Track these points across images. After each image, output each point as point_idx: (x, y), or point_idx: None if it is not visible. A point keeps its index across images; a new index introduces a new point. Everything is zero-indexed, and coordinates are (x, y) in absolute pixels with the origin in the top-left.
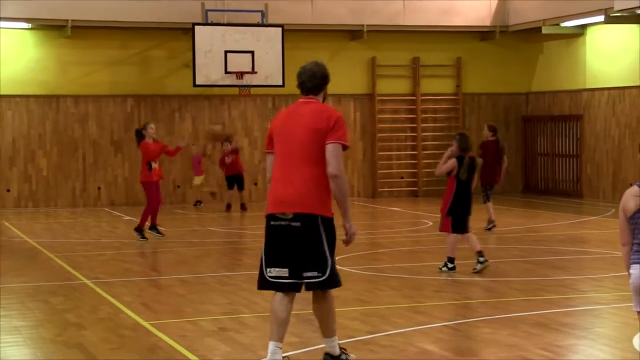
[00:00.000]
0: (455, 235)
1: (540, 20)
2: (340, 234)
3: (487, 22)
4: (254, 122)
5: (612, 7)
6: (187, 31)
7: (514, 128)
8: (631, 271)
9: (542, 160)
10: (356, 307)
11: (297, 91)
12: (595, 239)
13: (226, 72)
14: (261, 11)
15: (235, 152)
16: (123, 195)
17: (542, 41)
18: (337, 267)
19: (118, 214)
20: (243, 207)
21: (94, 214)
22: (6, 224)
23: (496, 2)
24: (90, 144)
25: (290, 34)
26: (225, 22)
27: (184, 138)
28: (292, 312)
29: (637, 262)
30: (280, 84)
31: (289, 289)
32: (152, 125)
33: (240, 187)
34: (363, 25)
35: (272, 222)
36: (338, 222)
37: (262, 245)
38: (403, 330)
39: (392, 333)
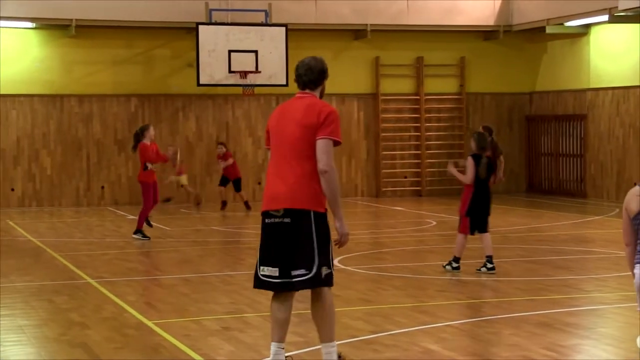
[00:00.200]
0: (464, 235)
1: (544, 20)
2: (334, 234)
3: (491, 22)
4: (257, 122)
5: (616, 7)
6: (191, 31)
7: (517, 128)
8: (635, 271)
9: (545, 160)
10: (360, 307)
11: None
12: (599, 239)
13: (230, 71)
14: (265, 11)
15: (228, 157)
16: (127, 195)
17: (546, 41)
18: (338, 266)
19: (122, 213)
20: (247, 206)
21: (98, 213)
22: (10, 223)
23: (500, 1)
24: (94, 144)
25: (294, 33)
26: (229, 21)
27: (171, 146)
28: (295, 311)
29: None
30: (284, 83)
31: (280, 289)
32: (152, 127)
33: (237, 189)
34: (367, 24)
35: (266, 220)
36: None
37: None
38: (406, 329)
39: (396, 333)
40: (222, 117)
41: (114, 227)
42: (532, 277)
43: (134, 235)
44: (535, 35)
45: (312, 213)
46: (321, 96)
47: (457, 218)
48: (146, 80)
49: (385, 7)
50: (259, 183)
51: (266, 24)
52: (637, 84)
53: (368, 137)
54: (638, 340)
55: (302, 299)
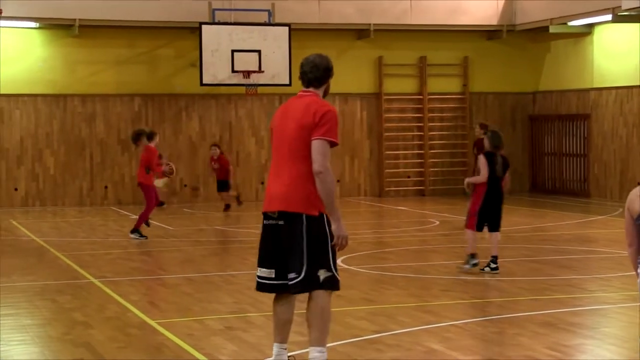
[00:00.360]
0: (473, 231)
1: (547, 20)
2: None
3: (494, 22)
4: (260, 122)
5: (620, 6)
6: (194, 30)
7: (521, 127)
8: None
9: (549, 159)
10: (363, 307)
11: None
12: (603, 239)
13: (233, 71)
14: (268, 10)
15: (222, 162)
16: (130, 194)
17: (549, 40)
18: (341, 265)
19: (125, 212)
20: (238, 201)
21: (101, 213)
22: (14, 222)
23: (503, 1)
24: (97, 143)
25: (297, 33)
26: (232, 21)
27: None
28: (298, 311)
29: None
30: (287, 83)
31: (277, 291)
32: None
33: (223, 189)
34: (370, 24)
35: (264, 221)
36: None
37: None
38: (410, 329)
39: (399, 332)
40: (225, 116)
41: (117, 226)
42: (536, 276)
43: (131, 235)
44: (538, 35)
45: (304, 216)
46: (325, 95)
47: (460, 218)
48: (149, 80)
49: (388, 7)
50: (262, 183)
51: (269, 24)
52: None
53: (371, 136)
54: None
55: (304, 299)
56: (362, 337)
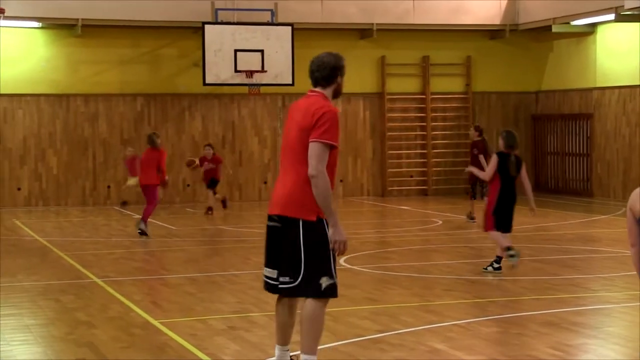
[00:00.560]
0: (496, 232)
1: (550, 19)
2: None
3: (497, 21)
4: (263, 121)
5: (623, 6)
6: (197, 30)
7: (523, 127)
8: None
9: (552, 159)
10: (366, 306)
11: (307, 89)
12: (606, 238)
13: (236, 70)
14: (271, 10)
15: (217, 162)
16: (133, 194)
17: (552, 40)
18: (344, 265)
19: (128, 212)
20: (208, 211)
21: (104, 213)
22: (17, 222)
23: (506, 1)
24: (100, 143)
25: (300, 32)
26: (235, 21)
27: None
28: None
29: None
30: (290, 82)
31: (275, 291)
32: None
33: (211, 186)
34: (373, 24)
35: (268, 222)
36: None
37: None
38: (413, 329)
39: (402, 332)
40: (228, 116)
41: (120, 226)
42: (539, 276)
43: (141, 227)
44: (541, 35)
45: (300, 222)
46: (336, 94)
47: (462, 217)
48: (152, 80)
49: (391, 7)
50: (265, 182)
51: (272, 24)
52: None
53: (374, 136)
54: None
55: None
56: (365, 336)
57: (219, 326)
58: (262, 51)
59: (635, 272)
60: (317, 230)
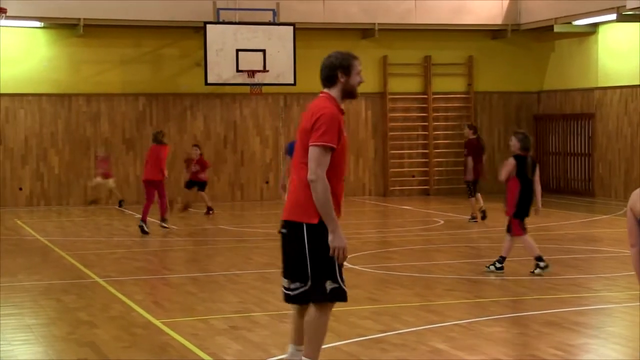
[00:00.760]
0: (525, 236)
1: (552, 19)
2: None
3: (499, 21)
4: (265, 121)
5: (624, 6)
6: (199, 30)
7: (525, 127)
8: None
9: (553, 159)
10: (367, 306)
11: (309, 89)
12: (608, 238)
13: (238, 70)
14: (273, 10)
15: (203, 166)
16: (134, 194)
17: (553, 40)
18: (345, 265)
19: (130, 212)
20: (208, 211)
21: (106, 212)
22: (18, 222)
23: (508, 1)
24: (102, 143)
25: (302, 32)
26: (237, 20)
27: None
28: None
29: None
30: (292, 82)
31: (290, 301)
32: None
33: (201, 188)
34: (375, 23)
35: (280, 230)
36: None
37: (277, 245)
38: (414, 328)
39: (404, 332)
40: (230, 116)
41: (121, 226)
42: (540, 276)
43: (163, 224)
44: (543, 34)
45: (304, 225)
46: (346, 95)
47: (464, 217)
48: (154, 80)
49: (393, 6)
50: (267, 182)
51: (274, 23)
52: None
53: (376, 136)
54: None
55: None
56: (366, 336)
57: (220, 326)
58: (263, 51)
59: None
60: (320, 233)
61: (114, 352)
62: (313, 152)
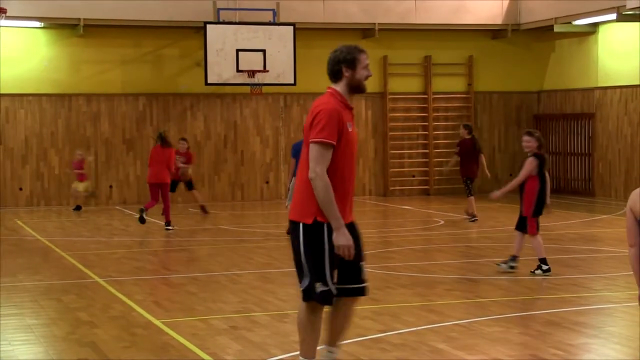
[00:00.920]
0: (538, 235)
1: (552, 19)
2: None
3: (499, 21)
4: (265, 121)
5: (625, 5)
6: (199, 30)
7: (525, 126)
8: None
9: (554, 158)
10: (367, 306)
11: (309, 89)
12: (608, 238)
13: (238, 70)
14: (273, 10)
15: (188, 158)
16: (135, 194)
17: (554, 39)
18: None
19: (130, 212)
20: (203, 210)
21: (106, 213)
22: (19, 222)
23: (508, 0)
24: (102, 143)
25: (302, 32)
26: (237, 20)
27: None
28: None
29: None
30: (292, 82)
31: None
32: None
33: (189, 187)
34: (375, 23)
35: None
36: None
37: (278, 245)
38: (415, 328)
39: (404, 331)
40: (230, 116)
41: (122, 226)
42: (541, 275)
43: (168, 228)
44: (543, 34)
45: (300, 225)
46: (353, 89)
47: (464, 217)
48: (154, 80)
49: (393, 6)
50: (267, 182)
51: (274, 23)
52: None
53: (376, 136)
54: None
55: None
56: (367, 336)
57: (221, 326)
58: (264, 51)
59: None
60: (313, 233)
61: (115, 352)
62: (312, 149)
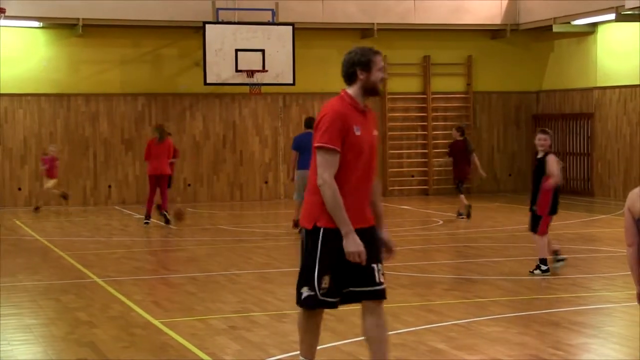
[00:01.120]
0: (545, 236)
1: (551, 19)
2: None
3: (498, 21)
4: (264, 121)
5: (623, 5)
6: (198, 30)
7: (524, 126)
8: None
9: None
10: None
11: (308, 89)
12: (607, 238)
13: (237, 70)
14: (272, 10)
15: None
16: (134, 194)
17: (553, 39)
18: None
19: (129, 212)
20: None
21: (105, 213)
22: (17, 222)
23: (507, 0)
24: (101, 143)
25: (301, 32)
26: (236, 20)
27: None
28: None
29: None
30: (291, 82)
31: (337, 306)
32: None
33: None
34: (374, 23)
35: None
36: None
37: (277, 245)
38: (414, 328)
39: (403, 331)
40: (229, 116)
41: (121, 226)
42: (540, 275)
43: (164, 212)
44: (542, 34)
45: (304, 231)
46: (367, 92)
47: (463, 217)
48: (153, 80)
49: (392, 6)
50: (266, 182)
51: (273, 23)
52: None
53: None
54: None
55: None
56: None
57: (219, 326)
58: (263, 51)
59: None
60: (311, 238)
61: (114, 352)
62: (317, 155)
